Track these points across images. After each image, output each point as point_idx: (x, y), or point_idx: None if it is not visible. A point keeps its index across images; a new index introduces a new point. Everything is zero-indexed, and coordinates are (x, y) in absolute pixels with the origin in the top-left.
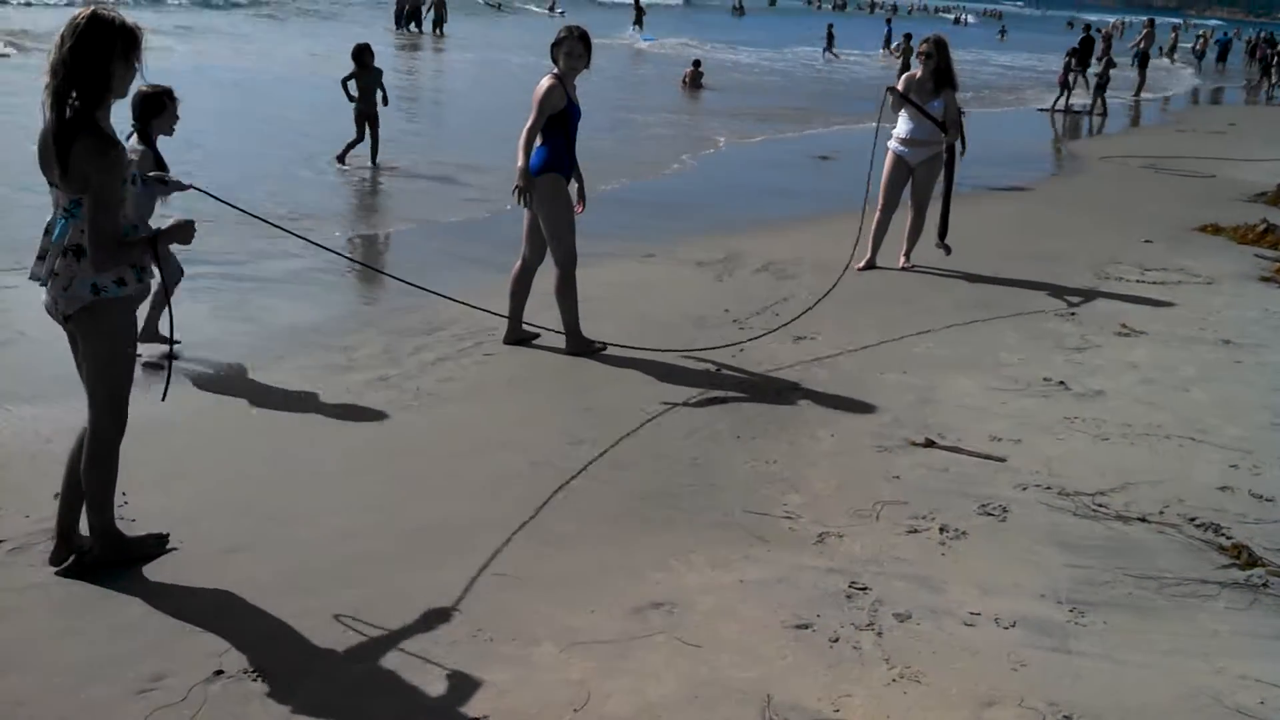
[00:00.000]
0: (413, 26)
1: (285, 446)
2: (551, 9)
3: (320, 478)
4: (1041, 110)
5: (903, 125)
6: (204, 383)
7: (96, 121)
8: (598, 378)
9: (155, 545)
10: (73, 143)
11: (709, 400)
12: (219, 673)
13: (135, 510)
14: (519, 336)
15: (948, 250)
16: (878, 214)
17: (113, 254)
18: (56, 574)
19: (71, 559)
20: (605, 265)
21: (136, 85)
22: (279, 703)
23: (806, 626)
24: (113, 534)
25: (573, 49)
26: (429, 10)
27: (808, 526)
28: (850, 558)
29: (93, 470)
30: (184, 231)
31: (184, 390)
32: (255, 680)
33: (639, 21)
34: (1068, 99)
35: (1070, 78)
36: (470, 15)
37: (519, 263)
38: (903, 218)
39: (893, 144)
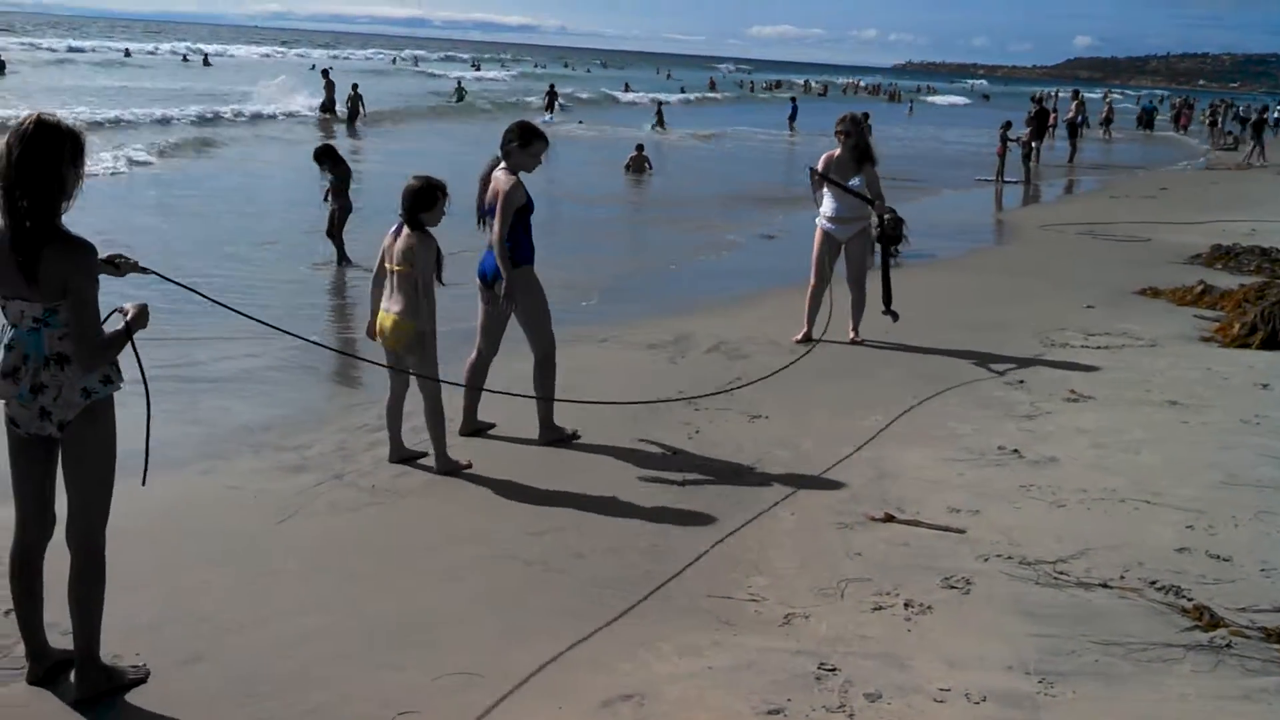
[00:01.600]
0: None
1: (241, 550)
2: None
3: (277, 580)
4: (980, 180)
5: (828, 204)
6: (157, 487)
7: (60, 227)
8: (555, 466)
9: (137, 676)
10: (40, 250)
11: (668, 484)
12: None
13: (59, 613)
14: (475, 428)
15: (894, 316)
16: (810, 287)
17: (101, 353)
18: (75, 701)
19: (82, 683)
20: (561, 351)
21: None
22: None
23: (778, 712)
24: (101, 664)
25: (541, 151)
26: (348, 104)
27: (773, 608)
28: (817, 638)
29: (93, 588)
30: (146, 315)
31: (137, 496)
32: None
33: (660, 122)
34: (1002, 171)
35: (1008, 149)
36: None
37: (474, 355)
38: (845, 294)
39: (821, 221)
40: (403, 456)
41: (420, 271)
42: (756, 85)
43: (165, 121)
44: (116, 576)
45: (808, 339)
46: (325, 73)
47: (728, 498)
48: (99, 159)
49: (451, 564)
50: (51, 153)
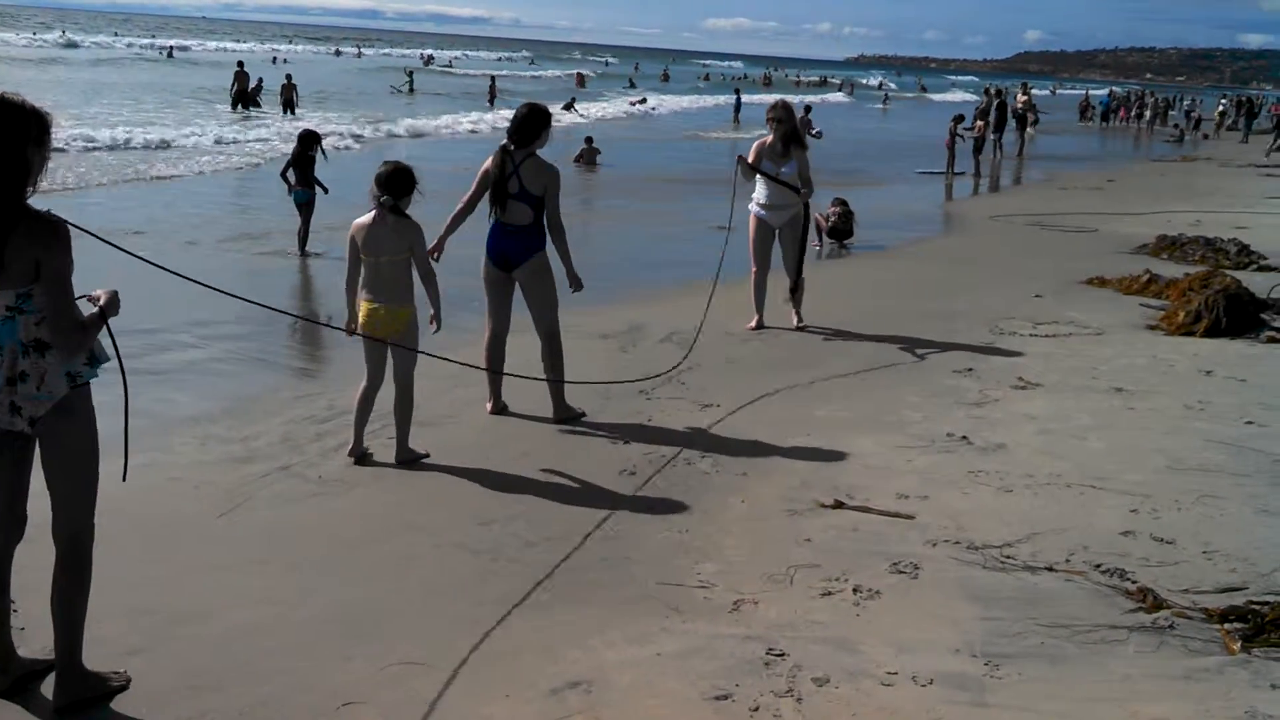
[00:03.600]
0: (240, 107)
1: (184, 542)
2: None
3: (221, 572)
4: (923, 173)
5: (760, 191)
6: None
7: (28, 208)
8: (506, 455)
9: (119, 683)
10: (8, 235)
11: (619, 473)
12: None
13: (26, 618)
14: (501, 408)
15: (796, 302)
16: (753, 274)
17: (82, 335)
18: (57, 709)
19: (63, 691)
20: (514, 340)
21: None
22: None
23: (726, 697)
24: (84, 671)
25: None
26: (280, 93)
27: (722, 595)
28: (766, 624)
29: (78, 587)
30: (117, 302)
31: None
32: None
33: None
34: (952, 163)
35: (956, 142)
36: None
37: (489, 336)
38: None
39: (753, 207)
40: (362, 455)
41: (420, 257)
42: (713, 76)
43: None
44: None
45: (760, 326)
46: (239, 64)
47: (678, 485)
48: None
49: (400, 554)
50: (16, 134)
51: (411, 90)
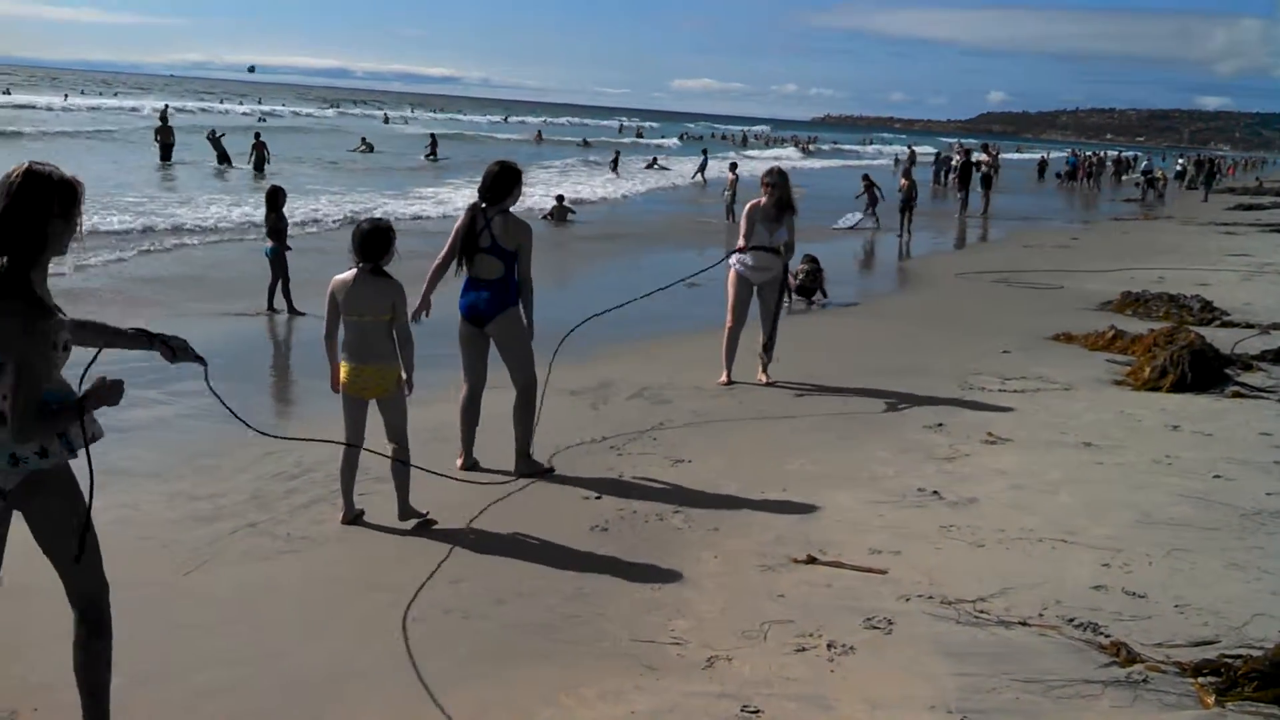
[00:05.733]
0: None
1: (148, 603)
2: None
3: (187, 631)
4: (837, 229)
5: (746, 254)
6: None
7: (30, 284)
8: (475, 511)
9: None
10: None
11: (590, 529)
12: None
13: None
14: (473, 463)
15: (767, 359)
16: (727, 329)
17: (37, 425)
18: None
19: None
20: (484, 397)
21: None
22: None
23: None
24: None
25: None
26: (251, 152)
27: (696, 651)
28: (740, 680)
29: (108, 652)
30: (114, 392)
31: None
32: None
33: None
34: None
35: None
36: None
37: (465, 392)
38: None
39: (735, 265)
40: (355, 518)
41: (401, 316)
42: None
43: None
44: (18, 633)
45: (730, 382)
46: (162, 117)
47: (650, 541)
48: None
49: (368, 613)
50: (39, 205)
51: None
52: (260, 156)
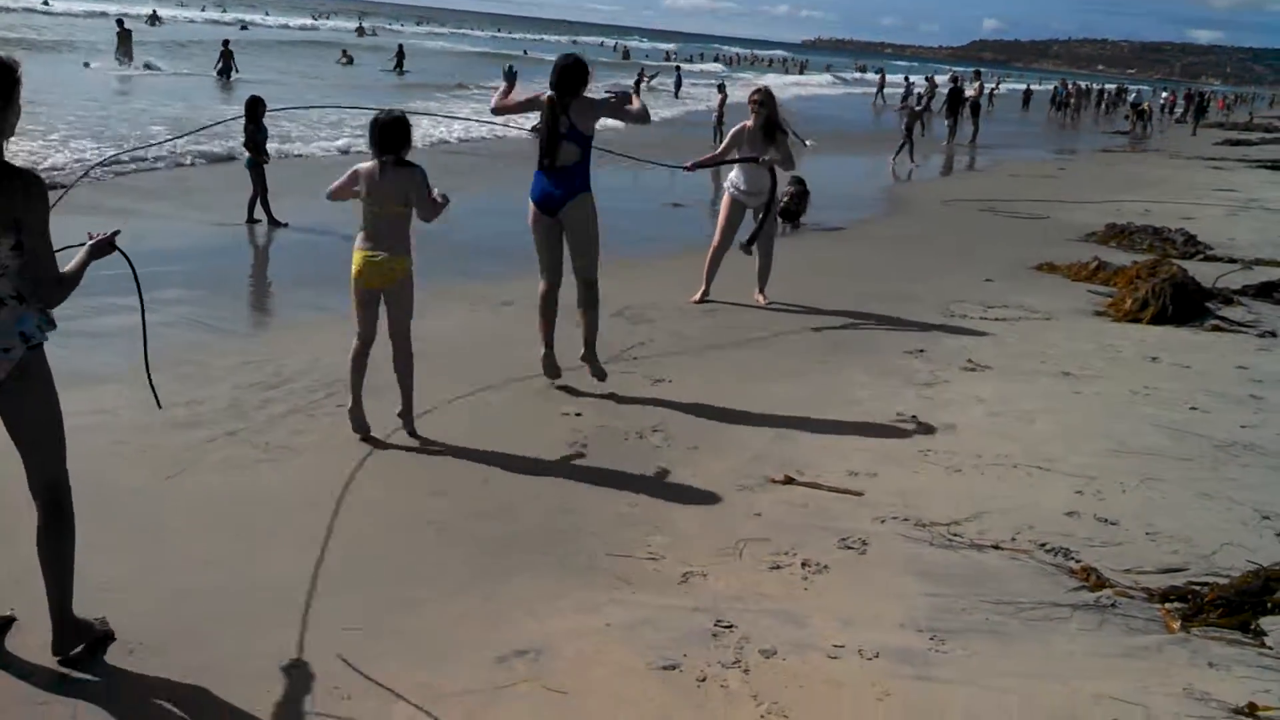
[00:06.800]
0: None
1: (124, 506)
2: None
3: (162, 537)
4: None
5: (739, 176)
6: None
7: (4, 159)
8: (457, 427)
9: (104, 629)
10: None
11: (570, 445)
12: None
13: None
14: (553, 363)
15: (750, 252)
16: (712, 248)
17: (65, 285)
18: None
19: (61, 641)
20: (462, 314)
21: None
22: None
23: (673, 667)
24: (76, 620)
25: None
26: (219, 60)
27: (672, 566)
28: (715, 596)
29: (63, 539)
30: (108, 247)
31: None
32: None
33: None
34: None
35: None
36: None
37: (544, 288)
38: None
39: (730, 189)
40: (365, 430)
41: (422, 203)
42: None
43: None
44: None
45: (705, 299)
46: (120, 21)
47: (629, 459)
48: None
49: (347, 523)
50: None
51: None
52: (228, 65)
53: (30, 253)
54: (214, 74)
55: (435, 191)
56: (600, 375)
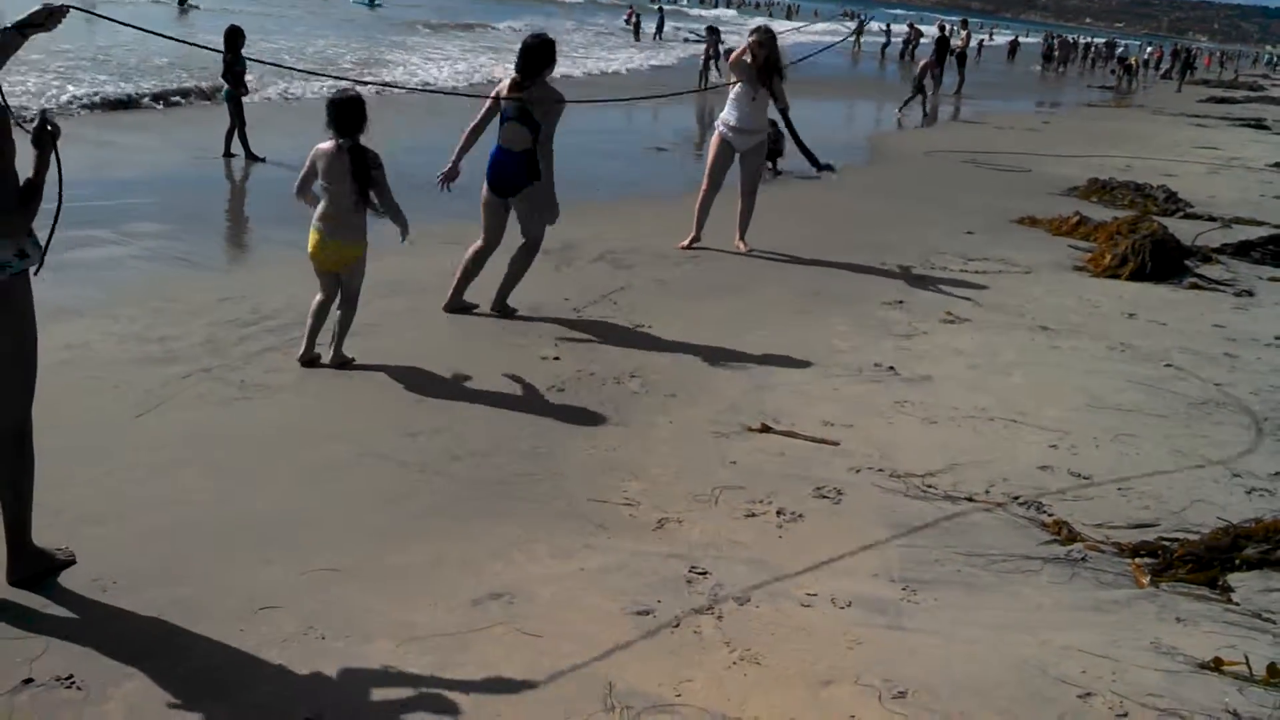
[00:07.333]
0: None
1: (98, 443)
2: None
3: (136, 473)
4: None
5: (731, 113)
6: None
7: None
8: (436, 367)
9: (66, 558)
10: None
11: (548, 389)
12: (28, 681)
13: None
14: (460, 306)
15: (833, 170)
16: (702, 193)
17: (27, 209)
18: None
19: (17, 566)
20: (442, 254)
21: None
22: (97, 709)
23: (647, 613)
24: (35, 548)
25: None
26: None
27: (647, 513)
28: (690, 543)
29: (23, 471)
30: (43, 131)
31: None
32: (69, 688)
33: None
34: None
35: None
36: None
37: (480, 244)
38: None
39: (721, 127)
40: (312, 360)
41: (380, 187)
42: None
43: None
44: None
45: (695, 243)
46: None
47: (607, 404)
48: None
49: (323, 462)
50: None
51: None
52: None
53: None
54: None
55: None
56: (504, 312)
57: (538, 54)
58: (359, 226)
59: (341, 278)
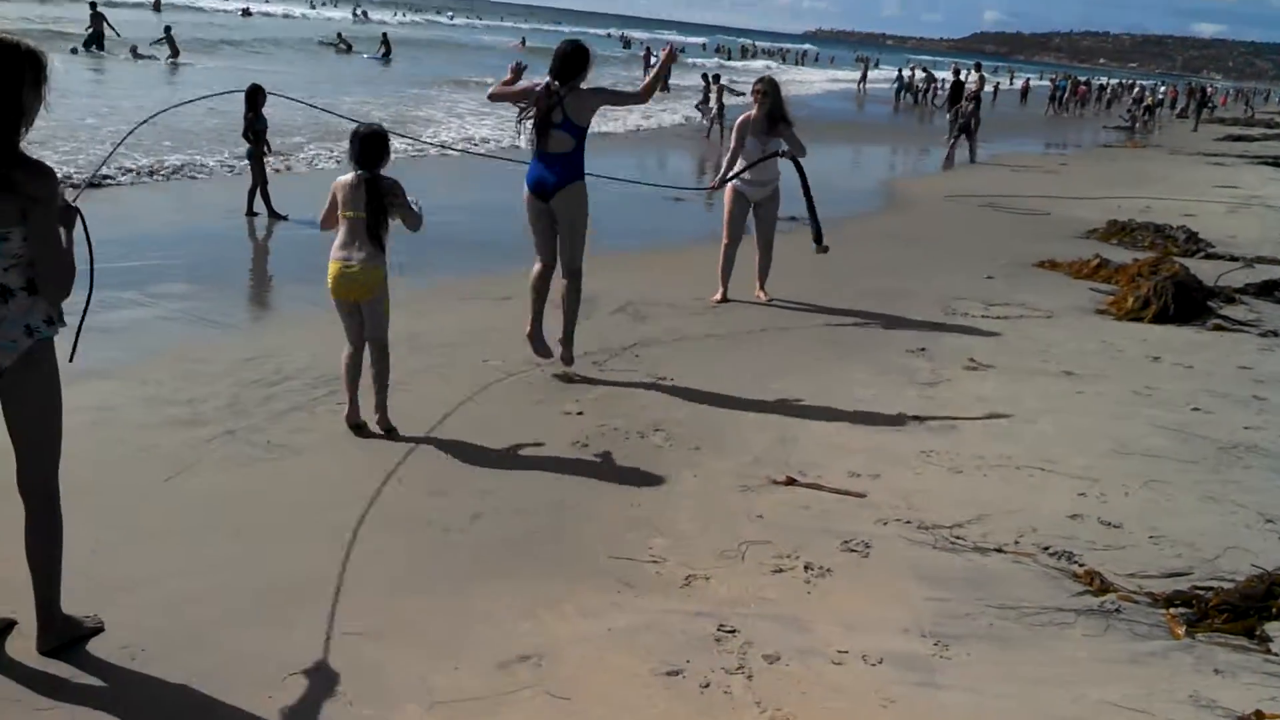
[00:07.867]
0: (94, 49)
1: (125, 507)
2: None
3: (166, 538)
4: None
5: (742, 165)
6: None
7: (20, 151)
8: (458, 425)
9: (94, 625)
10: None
11: (571, 444)
12: None
13: None
14: (540, 337)
15: (825, 250)
16: (723, 247)
17: (73, 274)
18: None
19: (46, 635)
20: (461, 310)
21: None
22: None
23: (677, 673)
24: (64, 615)
25: None
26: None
27: (674, 570)
28: (717, 600)
29: (52, 537)
30: (66, 211)
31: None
32: None
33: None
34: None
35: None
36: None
37: (539, 267)
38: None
39: (735, 180)
40: (359, 426)
41: (401, 208)
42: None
43: None
44: None
45: (724, 300)
46: (93, 4)
47: (630, 459)
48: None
49: (347, 524)
50: (12, 75)
51: (349, 49)
52: (97, 30)
53: (40, 242)
54: (162, 61)
55: (411, 199)
56: (568, 361)
57: (574, 60)
58: (376, 253)
59: (364, 312)
